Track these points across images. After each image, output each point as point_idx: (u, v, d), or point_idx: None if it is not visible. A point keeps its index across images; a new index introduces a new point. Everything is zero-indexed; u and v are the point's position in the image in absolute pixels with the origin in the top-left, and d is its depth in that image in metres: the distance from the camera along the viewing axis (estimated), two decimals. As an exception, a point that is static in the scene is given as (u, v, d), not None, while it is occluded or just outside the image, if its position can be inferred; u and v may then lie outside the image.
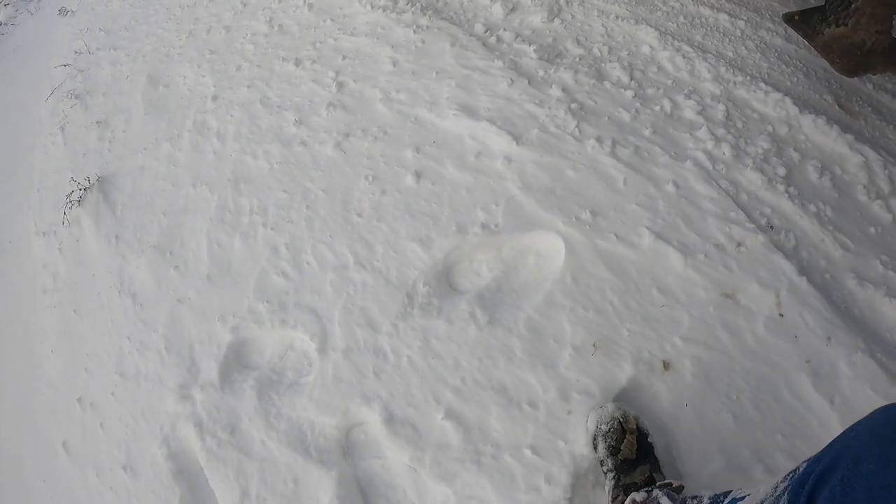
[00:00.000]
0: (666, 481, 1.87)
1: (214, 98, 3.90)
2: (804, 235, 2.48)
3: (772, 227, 2.52)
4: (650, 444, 2.03)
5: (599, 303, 2.36)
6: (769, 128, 2.88)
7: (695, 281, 2.36)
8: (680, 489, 1.83)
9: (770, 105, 2.99)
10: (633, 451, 1.97)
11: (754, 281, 2.32)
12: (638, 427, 2.04)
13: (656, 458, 2.01)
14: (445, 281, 2.63)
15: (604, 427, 2.05)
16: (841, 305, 2.30)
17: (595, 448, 2.07)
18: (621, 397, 2.24)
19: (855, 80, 3.34)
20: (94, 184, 4.09)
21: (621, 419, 2.05)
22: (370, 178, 2.98)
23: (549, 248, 2.55)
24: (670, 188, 2.58)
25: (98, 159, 4.30)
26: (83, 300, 3.78)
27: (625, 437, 2.00)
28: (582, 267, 2.44)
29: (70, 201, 4.12)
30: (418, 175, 2.88)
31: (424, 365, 2.43)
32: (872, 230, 2.50)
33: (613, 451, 2.00)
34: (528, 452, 2.18)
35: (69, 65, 5.77)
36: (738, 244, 2.42)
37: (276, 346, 2.83)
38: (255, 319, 2.86)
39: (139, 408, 3.12)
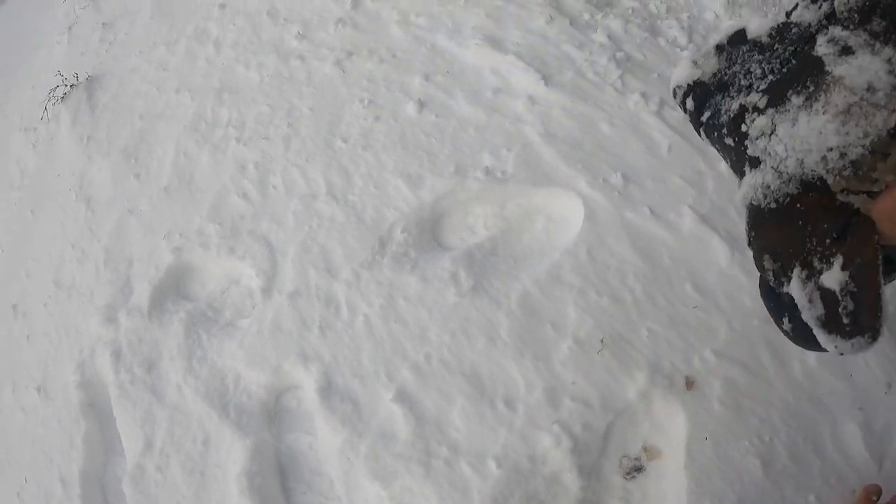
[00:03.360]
0: None
1: (222, 6, 3.21)
2: None
3: None
4: None
5: (618, 289, 1.68)
6: None
7: (741, 283, 1.69)
8: None
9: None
10: None
11: None
12: None
13: None
14: (430, 231, 1.93)
15: None
16: None
17: None
18: (625, 415, 1.56)
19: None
20: (81, 82, 3.45)
21: None
22: (366, 101, 2.28)
23: (564, 212, 1.86)
24: (723, 166, 1.90)
25: (94, 59, 3.66)
26: (42, 201, 3.16)
27: None
28: (602, 240, 1.75)
29: (53, 97, 3.49)
30: (422, 104, 2.18)
31: (383, 329, 1.76)
32: None
33: None
34: (492, 465, 1.53)
35: (91, -33, 5.11)
36: None
37: (221, 277, 2.18)
38: (202, 242, 2.19)
39: (65, 324, 2.52)
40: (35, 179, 3.36)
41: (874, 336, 0.61)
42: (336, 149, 2.17)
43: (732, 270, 1.71)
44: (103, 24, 3.93)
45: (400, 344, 1.73)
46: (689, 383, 1.59)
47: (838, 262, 0.62)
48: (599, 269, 1.72)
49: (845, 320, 0.63)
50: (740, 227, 1.80)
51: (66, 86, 3.48)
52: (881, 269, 0.60)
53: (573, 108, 2.01)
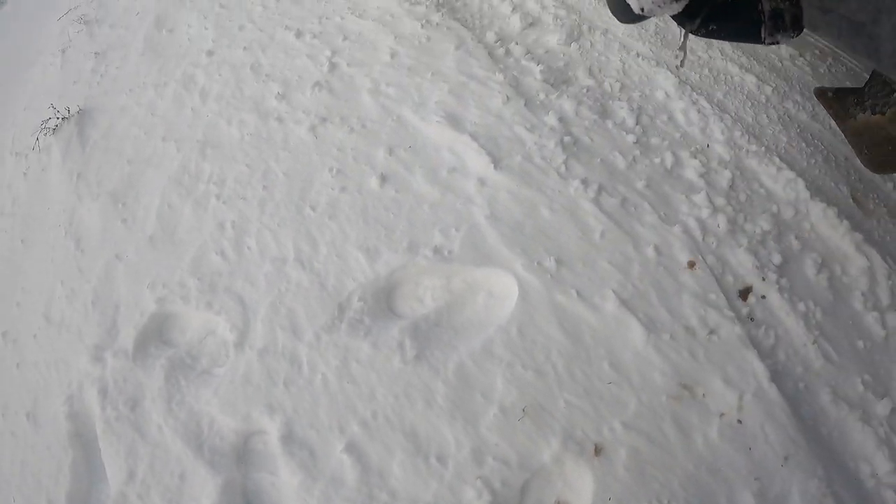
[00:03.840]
0: None
1: (210, 53, 3.57)
2: (786, 335, 2.14)
3: (752, 320, 2.18)
4: None
5: (542, 364, 2.03)
6: (774, 208, 2.53)
7: (653, 362, 2.02)
8: None
9: (780, 183, 2.63)
10: None
11: (719, 377, 1.99)
12: None
13: None
14: (384, 300, 2.29)
15: None
16: (808, 421, 1.98)
17: None
18: (540, 474, 1.91)
19: (876, 176, 2.97)
20: (73, 115, 3.79)
21: None
22: (335, 170, 2.64)
23: (502, 290, 2.21)
24: (650, 252, 2.24)
25: (86, 90, 3.99)
26: (32, 231, 3.50)
27: None
28: (532, 319, 2.10)
29: (45, 128, 3.82)
30: (384, 179, 2.54)
31: (338, 387, 2.11)
32: (861, 344, 2.17)
33: None
34: (423, 513, 1.87)
35: (90, -12, 5.45)
36: (711, 331, 2.08)
37: (199, 327, 2.53)
38: (183, 295, 2.54)
39: (55, 358, 2.85)
40: (25, 208, 3.70)
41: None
42: (305, 216, 2.53)
43: (647, 351, 2.04)
44: (96, 53, 4.26)
45: (351, 402, 2.08)
46: (598, 450, 1.92)
47: None
48: (527, 346, 2.06)
49: None
50: (659, 311, 2.14)
51: (59, 118, 3.80)
52: None
53: (518, 192, 2.36)
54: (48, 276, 3.17)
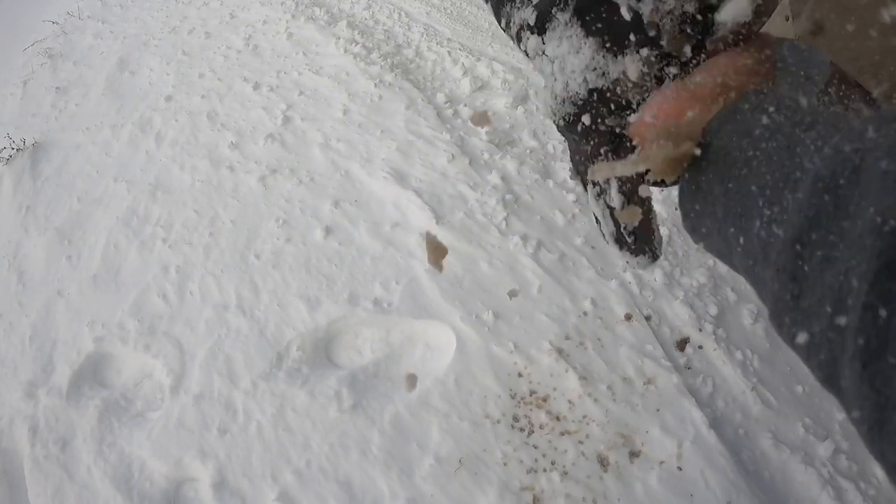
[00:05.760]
0: None
1: (168, 98, 3.53)
2: (724, 383, 2.17)
3: (689, 369, 2.22)
4: None
5: (478, 415, 2.02)
6: (710, 262, 2.59)
7: (590, 410, 2.03)
8: None
9: (714, 239, 2.72)
10: None
11: (657, 425, 2.00)
12: None
13: None
14: (323, 350, 2.25)
15: None
16: (750, 466, 1.98)
17: None
18: (474, 526, 1.89)
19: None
20: (28, 147, 3.69)
21: None
22: (281, 221, 2.61)
23: (440, 342, 2.20)
24: (587, 305, 2.27)
25: (43, 124, 3.90)
26: (-25, 263, 3.35)
27: None
28: (469, 371, 2.10)
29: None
30: (328, 231, 2.52)
31: (272, 436, 2.06)
32: (800, 388, 2.19)
33: None
34: (352, 565, 1.82)
35: (57, 23, 5.42)
36: (648, 381, 2.11)
37: (135, 370, 2.44)
38: (121, 336, 2.46)
39: (-14, 392, 2.70)
40: (-30, 240, 3.55)
41: (654, 257, 0.62)
42: (249, 264, 2.49)
43: (583, 401, 2.06)
44: (57, 88, 4.19)
45: (285, 450, 2.03)
46: (535, 500, 1.90)
47: (614, 183, 0.60)
48: (464, 397, 2.05)
49: (629, 239, 0.62)
50: (596, 362, 2.16)
51: (13, 149, 3.70)
52: (638, 189, 0.58)
53: (459, 248, 2.37)
54: (-13, 309, 3.03)
